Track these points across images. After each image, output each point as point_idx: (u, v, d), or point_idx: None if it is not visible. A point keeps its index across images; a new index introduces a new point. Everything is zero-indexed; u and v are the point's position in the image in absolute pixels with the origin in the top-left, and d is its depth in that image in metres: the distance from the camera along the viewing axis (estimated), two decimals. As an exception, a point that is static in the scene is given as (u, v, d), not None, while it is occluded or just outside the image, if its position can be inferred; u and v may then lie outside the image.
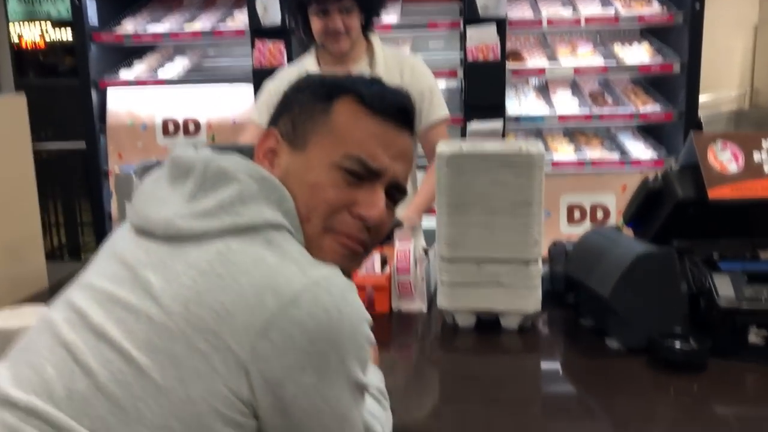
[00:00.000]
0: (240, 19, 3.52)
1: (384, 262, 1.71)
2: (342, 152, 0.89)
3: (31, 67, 4.78)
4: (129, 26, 3.61)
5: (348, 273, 0.89)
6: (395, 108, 0.94)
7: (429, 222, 2.20)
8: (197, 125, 3.53)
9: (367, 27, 2.17)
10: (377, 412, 0.95)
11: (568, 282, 1.55)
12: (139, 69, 3.65)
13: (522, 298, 1.45)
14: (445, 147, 1.45)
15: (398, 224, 1.87)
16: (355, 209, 0.90)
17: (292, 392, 0.76)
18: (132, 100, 3.56)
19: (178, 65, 3.67)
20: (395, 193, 0.96)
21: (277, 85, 2.22)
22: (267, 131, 0.94)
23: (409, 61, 2.21)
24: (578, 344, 1.46)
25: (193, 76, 3.62)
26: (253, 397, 0.76)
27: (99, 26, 3.57)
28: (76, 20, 3.46)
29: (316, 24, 2.08)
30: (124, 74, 3.60)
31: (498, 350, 1.45)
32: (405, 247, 1.61)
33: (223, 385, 0.75)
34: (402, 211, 2.22)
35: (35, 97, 4.64)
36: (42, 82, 4.62)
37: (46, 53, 4.72)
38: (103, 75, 3.58)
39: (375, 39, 2.21)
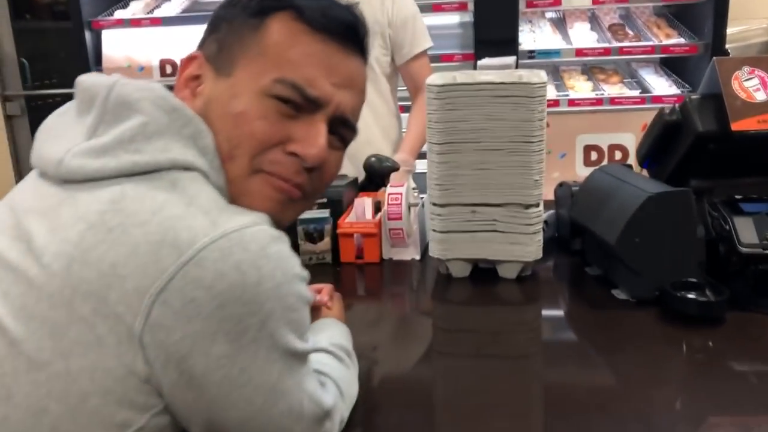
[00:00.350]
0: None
1: (378, 209, 1.59)
2: (273, 76, 0.75)
3: (29, 10, 4.65)
4: (122, -37, 3.44)
5: (281, 224, 0.76)
6: (342, 24, 0.79)
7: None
8: (196, 67, 3.38)
9: None
10: (336, 372, 0.84)
11: (574, 227, 1.42)
12: (134, 8, 3.49)
13: (521, 245, 1.32)
14: (436, 78, 1.30)
15: (394, 168, 1.74)
16: (290, 146, 0.76)
17: (201, 365, 0.64)
18: (128, 41, 3.42)
19: (175, 4, 3.51)
20: (343, 129, 0.82)
21: None
22: (189, 55, 0.81)
23: None
24: (583, 295, 1.34)
25: (191, 15, 3.45)
26: (152, 373, 0.64)
27: (91, -37, 3.40)
28: (66, -44, 3.29)
29: None
30: (119, 14, 3.44)
31: (495, 301, 1.33)
32: (396, 191, 1.48)
33: (114, 359, 0.63)
34: (387, 153, 2.10)
35: (33, 41, 4.54)
36: (38, 25, 4.50)
37: (42, -5, 4.57)
38: (98, 16, 3.43)
39: None
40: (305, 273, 0.71)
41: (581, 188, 1.41)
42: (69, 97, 0.79)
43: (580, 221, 1.35)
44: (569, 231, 1.45)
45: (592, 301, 1.29)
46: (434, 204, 1.34)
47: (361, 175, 1.77)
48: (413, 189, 1.59)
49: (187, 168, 0.71)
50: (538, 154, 1.26)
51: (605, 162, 3.27)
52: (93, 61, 3.43)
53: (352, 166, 1.88)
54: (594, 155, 3.25)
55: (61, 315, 0.64)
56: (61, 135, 0.74)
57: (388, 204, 1.47)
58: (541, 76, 1.27)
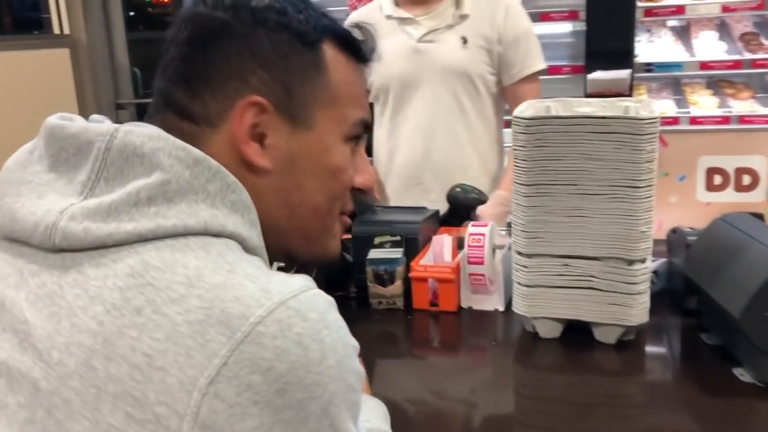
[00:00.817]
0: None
1: (461, 245, 1.42)
2: (353, 120, 0.72)
3: (143, 21, 4.81)
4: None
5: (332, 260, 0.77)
6: (371, 51, 0.75)
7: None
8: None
9: None
10: None
11: (689, 283, 1.19)
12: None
13: (622, 306, 1.11)
14: (526, 107, 1.13)
15: (481, 200, 1.57)
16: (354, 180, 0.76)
17: None
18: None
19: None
20: None
21: None
22: (248, 100, 0.65)
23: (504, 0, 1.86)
24: (696, 370, 1.11)
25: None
26: None
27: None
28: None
29: None
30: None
31: (589, 369, 1.13)
32: (479, 231, 1.31)
33: None
34: (484, 183, 1.91)
35: (145, 51, 4.68)
36: (151, 35, 4.63)
37: (154, 5, 4.72)
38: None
39: None
40: (357, 345, 0.60)
41: (699, 239, 1.19)
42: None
43: (697, 281, 1.13)
44: (683, 286, 1.23)
45: (707, 380, 1.06)
46: (520, 253, 1.16)
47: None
48: (503, 229, 1.41)
49: (218, 235, 0.59)
50: (646, 202, 1.06)
51: (731, 186, 2.94)
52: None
53: (440, 192, 1.71)
54: (718, 179, 2.93)
55: (83, 427, 0.51)
56: (39, 192, 0.61)
57: (469, 246, 1.30)
58: (652, 109, 1.06)
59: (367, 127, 0.74)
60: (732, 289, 1.00)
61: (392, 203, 1.94)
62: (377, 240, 1.36)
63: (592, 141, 1.06)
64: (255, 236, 0.63)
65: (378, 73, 1.88)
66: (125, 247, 0.56)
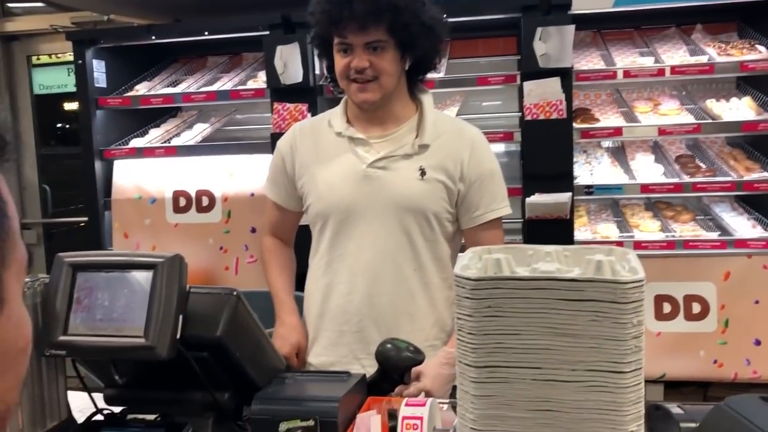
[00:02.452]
0: (263, 79, 3.08)
1: (393, 417, 1.12)
2: (26, 260, 0.53)
3: (55, 136, 4.53)
4: (142, 89, 3.22)
5: None
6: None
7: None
8: (212, 199, 3.07)
9: (414, 82, 1.66)
10: None
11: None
12: (152, 137, 3.24)
13: None
14: (469, 260, 0.88)
15: (417, 360, 1.29)
16: None
17: None
18: (140, 172, 3.14)
19: (197, 132, 3.25)
20: None
21: (289, 144, 1.71)
22: None
23: (470, 134, 1.66)
24: None
25: (207, 144, 3.16)
26: None
27: (109, 90, 3.19)
28: (79, 83, 3.08)
29: (338, 64, 1.59)
30: (135, 143, 3.19)
31: None
32: (414, 414, 1.02)
33: None
34: (436, 337, 1.65)
35: (57, 167, 4.37)
36: (63, 150, 4.35)
37: (67, 121, 4.46)
38: (112, 144, 3.18)
39: (427, 99, 1.68)
40: None
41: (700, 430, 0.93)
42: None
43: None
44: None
45: None
46: (469, 456, 0.87)
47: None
48: (444, 402, 1.13)
49: None
50: (634, 391, 0.80)
51: (681, 315, 2.76)
52: (102, 192, 3.16)
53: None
54: (667, 307, 2.75)
55: None
56: None
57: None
58: (632, 264, 0.83)
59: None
60: None
61: (324, 354, 1.65)
62: (283, 426, 1.05)
63: (560, 311, 0.80)
64: None
65: (317, 195, 1.63)
66: None
